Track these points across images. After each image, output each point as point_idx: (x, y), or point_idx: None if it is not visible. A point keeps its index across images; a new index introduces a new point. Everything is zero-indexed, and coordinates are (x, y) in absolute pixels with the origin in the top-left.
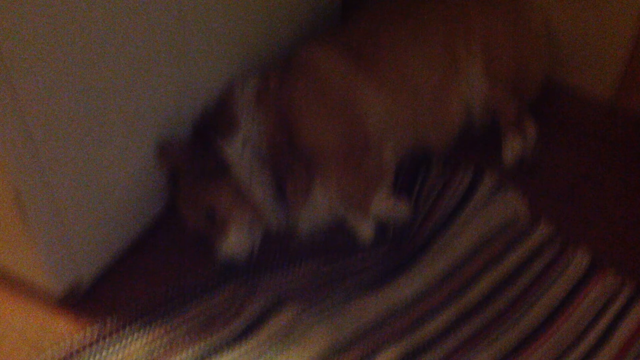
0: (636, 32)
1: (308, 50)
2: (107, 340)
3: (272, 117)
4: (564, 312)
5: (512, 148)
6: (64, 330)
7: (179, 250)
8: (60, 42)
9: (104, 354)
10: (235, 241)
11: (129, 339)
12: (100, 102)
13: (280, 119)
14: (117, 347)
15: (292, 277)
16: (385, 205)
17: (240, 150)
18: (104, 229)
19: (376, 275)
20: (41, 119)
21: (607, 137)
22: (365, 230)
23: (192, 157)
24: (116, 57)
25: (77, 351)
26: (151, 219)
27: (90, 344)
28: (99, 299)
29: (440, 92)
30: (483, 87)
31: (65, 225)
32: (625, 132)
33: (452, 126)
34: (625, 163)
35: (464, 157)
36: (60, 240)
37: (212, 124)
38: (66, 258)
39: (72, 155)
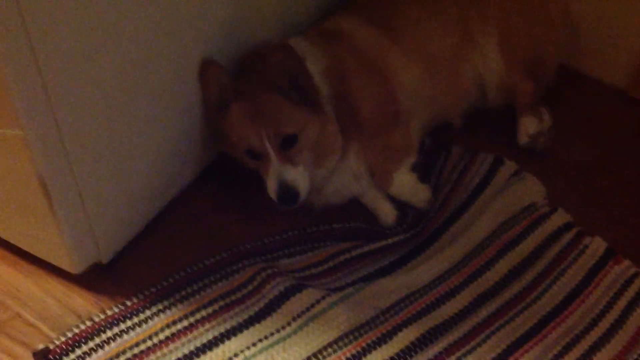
0: None
1: (337, 19)
2: (127, 320)
3: (329, 72)
4: (579, 297)
5: (527, 129)
6: (83, 309)
7: (195, 232)
8: (88, 17)
9: (124, 335)
10: (303, 176)
11: (149, 320)
12: (124, 87)
13: (334, 76)
14: (137, 327)
15: (311, 261)
16: (408, 183)
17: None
18: (124, 208)
19: (395, 259)
20: (68, 107)
21: (623, 125)
22: (387, 212)
23: (262, 75)
24: (140, 30)
25: (98, 331)
26: (169, 199)
27: (111, 324)
28: (118, 278)
29: (455, 64)
30: (498, 63)
31: (87, 206)
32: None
33: (466, 98)
34: (638, 150)
35: (483, 141)
36: (82, 221)
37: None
38: (87, 237)
39: (97, 142)
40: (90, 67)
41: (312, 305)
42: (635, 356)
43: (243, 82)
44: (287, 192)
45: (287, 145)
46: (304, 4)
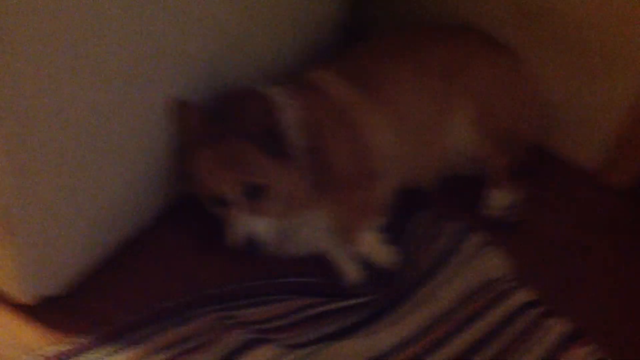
0: (630, 109)
1: (317, 73)
2: (80, 357)
3: (305, 124)
4: None
5: (497, 200)
6: (35, 343)
7: (158, 269)
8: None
9: None
10: (269, 227)
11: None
12: (91, 120)
13: (309, 129)
14: None
15: (273, 313)
16: (373, 243)
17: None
18: (81, 241)
19: (357, 321)
20: (30, 134)
21: (595, 206)
22: (352, 270)
23: (237, 121)
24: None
25: None
26: (135, 232)
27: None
28: (74, 312)
29: (432, 132)
30: (473, 137)
31: (47, 235)
32: (613, 202)
33: (440, 166)
34: (612, 232)
35: (454, 208)
36: (35, 251)
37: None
38: (41, 269)
39: (59, 169)
40: (58, 103)
41: None
42: None
43: (217, 126)
44: (252, 243)
45: (256, 195)
46: (287, 52)
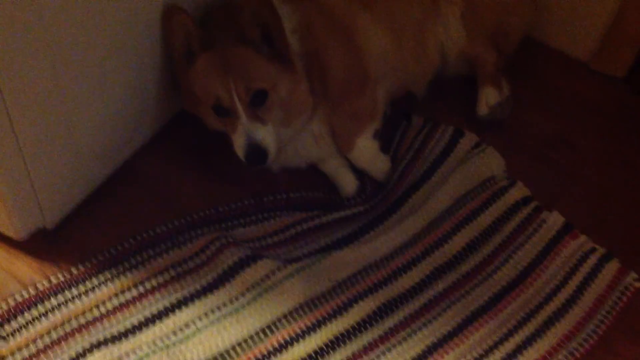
0: None
1: None
2: (72, 288)
3: (300, 30)
4: (534, 271)
5: (487, 100)
6: (27, 276)
7: (148, 197)
8: None
9: (69, 304)
10: (271, 135)
11: (96, 289)
12: (72, 37)
13: (304, 35)
14: (82, 296)
15: (267, 230)
16: (369, 149)
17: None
18: (71, 171)
19: (353, 231)
20: (9, 61)
21: (584, 99)
22: (348, 181)
23: (232, 26)
24: None
25: (41, 299)
26: (122, 161)
27: (56, 292)
28: (64, 244)
29: (420, 32)
30: (461, 34)
31: (30, 169)
32: (602, 94)
33: (430, 67)
34: (600, 127)
35: (443, 112)
36: (25, 184)
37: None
38: (30, 201)
39: (41, 99)
40: (34, 14)
41: (267, 276)
42: (588, 331)
43: (211, 31)
44: (256, 151)
45: (257, 101)
46: None
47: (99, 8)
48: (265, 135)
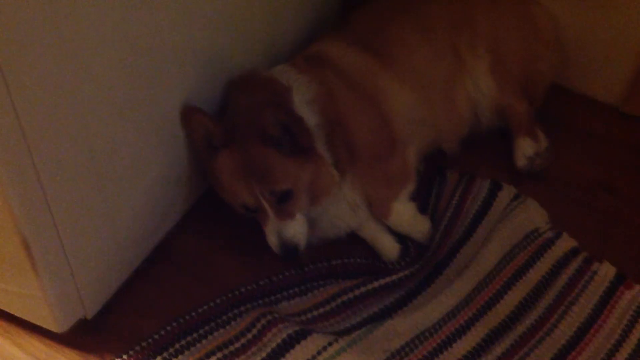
0: None
1: (322, 44)
2: None
3: (318, 100)
4: (593, 326)
5: (524, 151)
6: None
7: (185, 275)
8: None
9: None
10: (300, 228)
11: None
12: (106, 137)
13: (324, 104)
14: None
15: (312, 302)
16: (407, 212)
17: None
18: (109, 259)
19: (401, 296)
20: (50, 161)
21: (618, 141)
22: (389, 245)
23: (251, 124)
24: (122, 76)
25: None
26: (156, 243)
27: None
28: (105, 333)
29: (448, 88)
30: (490, 87)
31: (70, 261)
32: (635, 136)
33: (461, 123)
34: (638, 169)
35: (477, 165)
36: (65, 276)
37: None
38: (71, 293)
39: (81, 195)
40: (71, 120)
41: (319, 353)
42: None
43: (231, 126)
44: (289, 248)
45: (283, 199)
46: (289, 29)
47: (131, 103)
48: (296, 230)
